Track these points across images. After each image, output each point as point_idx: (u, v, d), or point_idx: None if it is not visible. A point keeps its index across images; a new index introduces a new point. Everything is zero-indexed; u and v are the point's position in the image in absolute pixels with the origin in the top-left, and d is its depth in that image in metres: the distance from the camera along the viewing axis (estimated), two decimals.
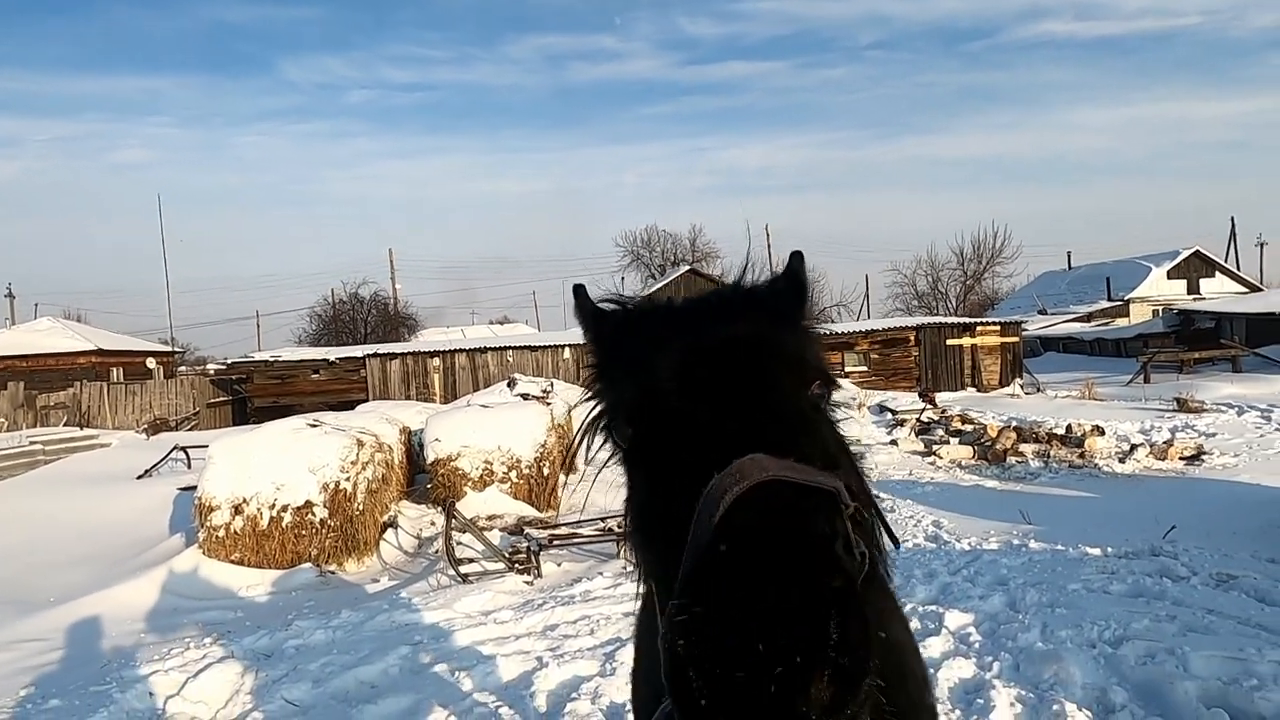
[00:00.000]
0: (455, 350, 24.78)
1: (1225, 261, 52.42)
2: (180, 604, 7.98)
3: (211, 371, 31.35)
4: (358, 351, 25.31)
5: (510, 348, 24.93)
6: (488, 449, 11.60)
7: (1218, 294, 46.49)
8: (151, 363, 38.55)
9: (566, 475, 14.38)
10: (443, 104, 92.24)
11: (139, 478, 14.54)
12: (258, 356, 25.24)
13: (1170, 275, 49.70)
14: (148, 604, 7.89)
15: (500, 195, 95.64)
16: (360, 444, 9.64)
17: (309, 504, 9.05)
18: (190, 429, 22.72)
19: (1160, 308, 45.40)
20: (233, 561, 8.88)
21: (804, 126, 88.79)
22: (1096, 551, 7.43)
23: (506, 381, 15.83)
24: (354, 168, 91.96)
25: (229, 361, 25.23)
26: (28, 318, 45.97)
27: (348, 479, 9.26)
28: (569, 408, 15.00)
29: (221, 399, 25.87)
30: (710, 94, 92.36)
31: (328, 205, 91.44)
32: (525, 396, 14.42)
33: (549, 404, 14.30)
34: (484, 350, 24.74)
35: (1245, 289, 47.83)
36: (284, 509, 9.00)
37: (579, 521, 9.52)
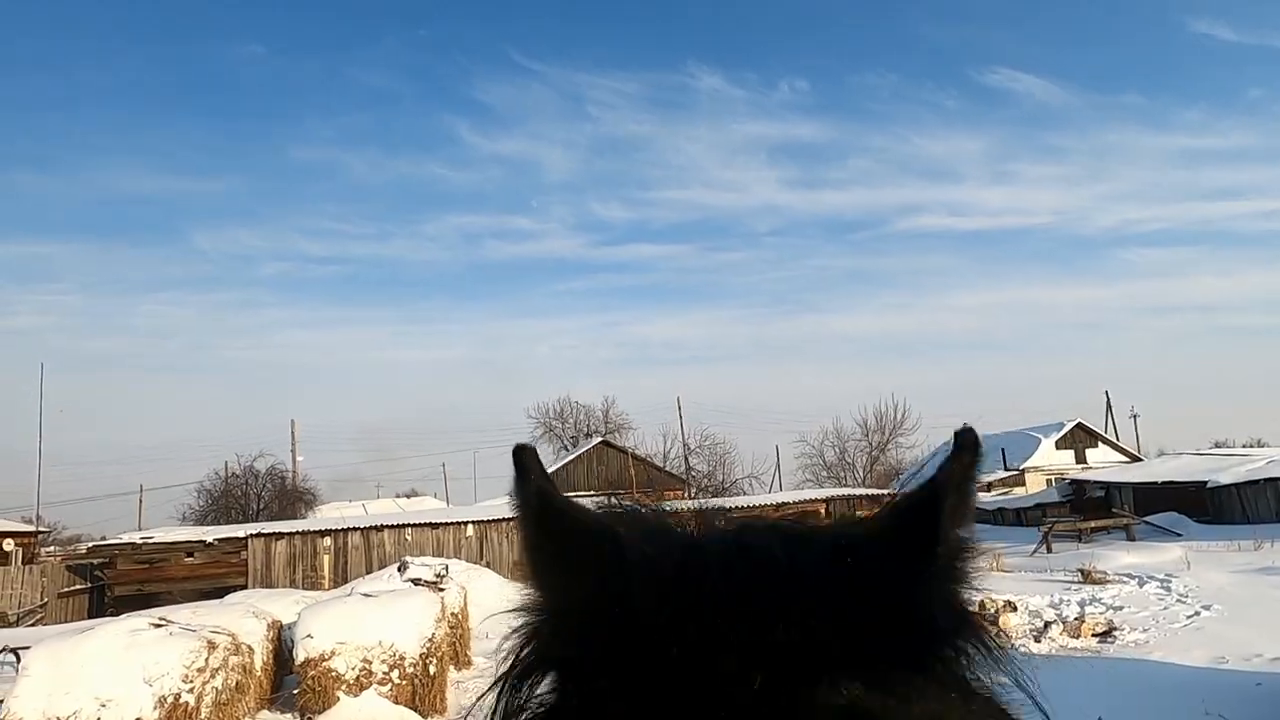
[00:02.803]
0: (348, 529, 23.20)
1: (1106, 432, 55.67)
2: None
3: (67, 556, 28.33)
4: (239, 531, 23.38)
5: (409, 525, 23.53)
6: (367, 645, 10.42)
7: (1103, 463, 48.94)
8: (9, 544, 34.76)
9: (459, 670, 13.08)
10: (357, 276, 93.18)
11: None
12: (124, 538, 22.95)
13: (1059, 445, 52.31)
14: None
15: (411, 364, 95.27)
16: (212, 646, 8.44)
17: None
18: (33, 624, 20.04)
19: (1053, 477, 47.35)
20: None
21: (711, 303, 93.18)
22: None
23: (397, 565, 14.67)
24: (260, 335, 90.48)
25: (89, 545, 22.81)
26: None
27: (190, 689, 7.99)
28: (463, 593, 13.91)
29: (77, 587, 23.17)
30: (620, 272, 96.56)
31: (229, 375, 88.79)
32: (416, 582, 13.31)
33: (442, 589, 13.22)
34: (380, 528, 23.24)
35: (1127, 459, 50.59)
36: None
37: None
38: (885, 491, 26.25)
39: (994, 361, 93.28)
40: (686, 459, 51.44)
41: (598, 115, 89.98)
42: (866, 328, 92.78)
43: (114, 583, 22.00)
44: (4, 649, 14.00)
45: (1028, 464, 50.77)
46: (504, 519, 24.17)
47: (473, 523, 23.78)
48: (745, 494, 44.47)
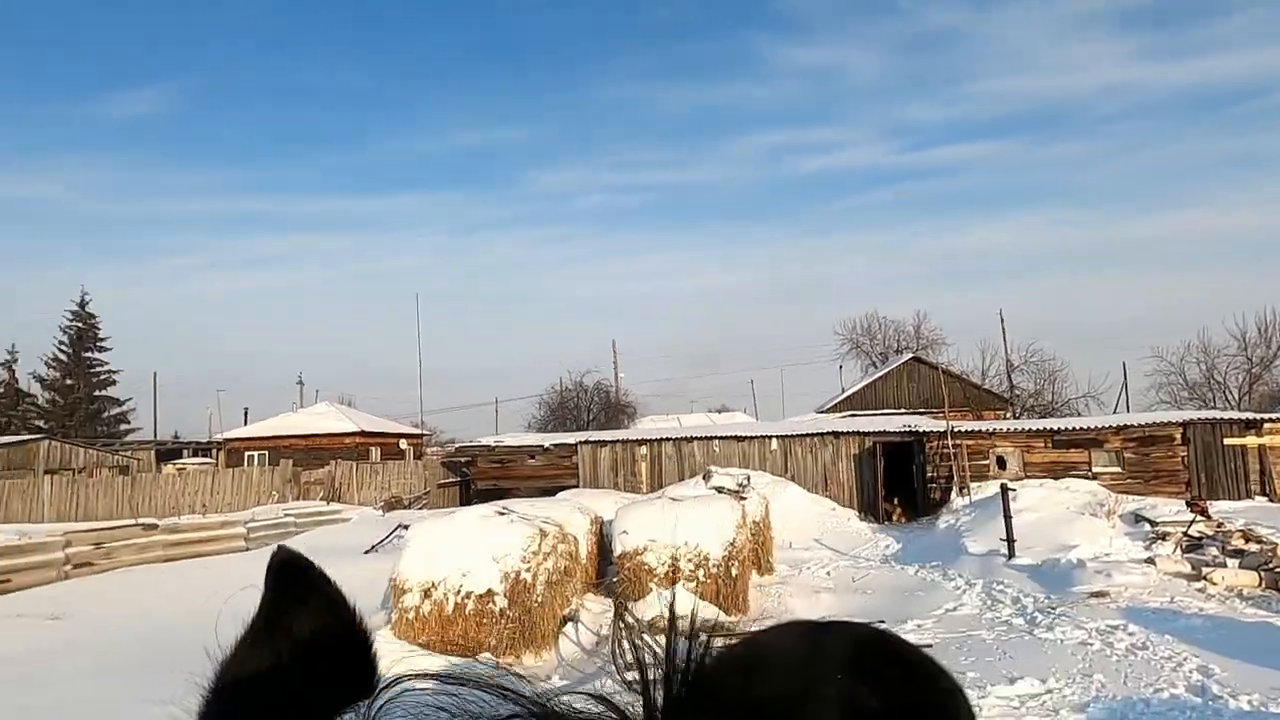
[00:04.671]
0: (662, 439, 24.92)
1: None
2: None
3: (443, 454, 34.05)
4: (570, 438, 26.24)
5: (717, 437, 24.64)
6: (675, 544, 11.24)
7: None
8: (404, 444, 42.56)
9: (760, 575, 13.62)
10: (663, 202, 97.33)
11: (366, 552, 15.71)
12: (481, 441, 26.98)
13: None
14: None
15: (720, 286, 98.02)
16: (543, 534, 9.66)
17: (490, 593, 9.12)
18: (420, 508, 24.53)
19: None
20: (420, 645, 9.09)
21: (1037, 205, 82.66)
22: None
23: (703, 474, 15.48)
24: (583, 265, 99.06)
25: (457, 445, 27.21)
26: (310, 402, 52.71)
27: (528, 569, 9.26)
28: (764, 503, 14.32)
29: (450, 480, 27.84)
30: (932, 177, 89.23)
31: (562, 300, 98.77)
32: (720, 490, 13.97)
33: (744, 498, 13.73)
34: (690, 439, 24.65)
35: None
36: (468, 596, 9.14)
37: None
38: (1267, 417, 21.92)
39: None
40: (1009, 375, 47.27)
41: (908, 7, 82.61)
42: (1241, 223, 76.45)
43: (476, 478, 26.02)
44: (400, 525, 17.34)
45: None
46: (808, 434, 24.29)
47: (777, 437, 24.23)
48: (1079, 414, 39.90)
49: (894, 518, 22.28)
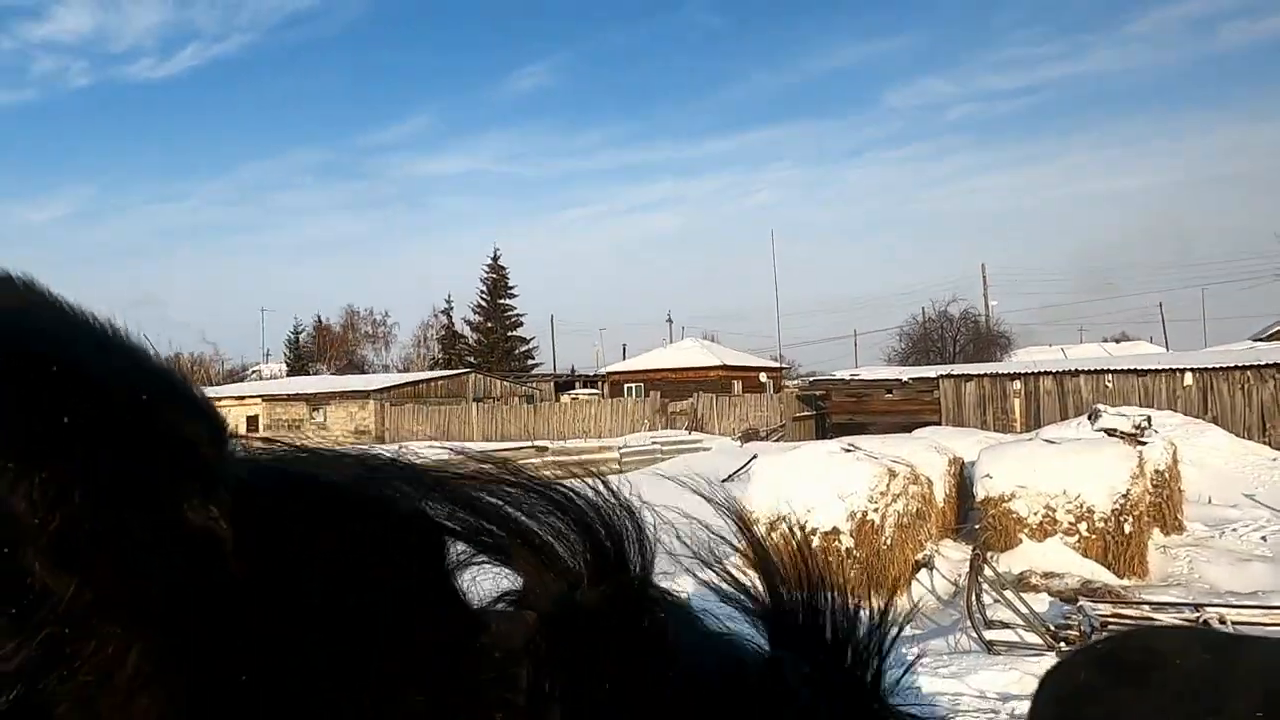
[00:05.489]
0: (1040, 373, 22.21)
1: None
2: (716, 609, 8.56)
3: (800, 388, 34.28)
4: (931, 372, 24.62)
5: (1109, 371, 21.29)
6: (1050, 493, 9.94)
7: None
8: (764, 377, 43.80)
9: (1165, 534, 11.52)
10: (1048, 105, 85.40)
11: (723, 480, 16.42)
12: (837, 374, 26.52)
13: None
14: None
15: (1118, 193, 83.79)
16: (891, 474, 9.12)
17: (836, 531, 8.89)
18: (777, 439, 24.98)
19: None
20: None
21: None
22: None
23: (1089, 413, 13.45)
24: (951, 184, 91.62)
25: (811, 379, 27.09)
26: (679, 339, 56.44)
27: (875, 510, 8.83)
28: (1171, 449, 12.02)
29: (805, 413, 27.91)
30: None
31: (923, 225, 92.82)
32: (1110, 432, 11.97)
33: (1142, 443, 11.67)
34: (1075, 373, 21.61)
35: None
36: (813, 532, 9.00)
37: (1170, 603, 7.37)
38: None
39: None
40: None
41: None
42: None
43: (831, 412, 25.74)
44: (754, 456, 17.81)
45: None
46: (1238, 366, 19.88)
47: (1192, 370, 20.19)
48: None
49: None
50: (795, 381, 56.45)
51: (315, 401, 34.39)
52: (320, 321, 69.11)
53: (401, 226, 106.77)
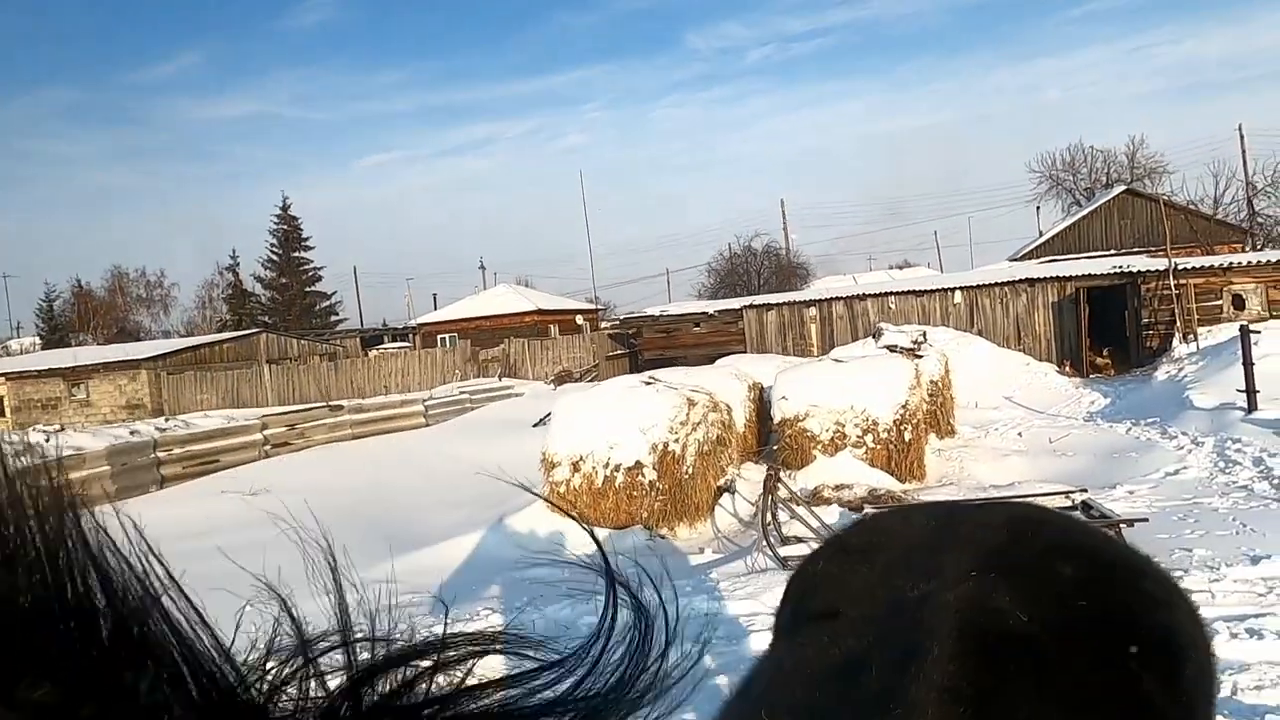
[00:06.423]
0: (832, 299, 23.49)
1: None
2: (519, 556, 8.19)
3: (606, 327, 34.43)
4: (735, 304, 25.40)
5: (892, 294, 22.87)
6: (838, 409, 10.36)
7: None
8: (580, 320, 43.59)
9: (940, 438, 12.47)
10: (838, 47, 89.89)
11: (534, 425, 16.01)
12: (646, 312, 26.75)
13: None
14: (493, 554, 8.26)
15: (897, 133, 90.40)
16: (691, 403, 9.08)
17: (639, 465, 8.76)
18: (590, 380, 24.94)
19: None
20: (571, 518, 8.97)
21: None
22: None
23: (873, 332, 14.24)
24: (750, 126, 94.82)
25: (621, 317, 27.20)
26: (492, 286, 54.91)
27: (676, 440, 8.77)
28: (943, 360, 12.96)
29: (618, 352, 28.07)
30: None
31: (728, 165, 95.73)
32: (892, 348, 12.75)
33: (919, 356, 12.47)
34: (862, 297, 23.05)
35: None
36: (616, 468, 8.83)
37: (946, 501, 7.86)
38: None
39: None
40: (1250, 202, 40.51)
41: None
42: None
43: (643, 349, 25.98)
44: None
45: None
46: (996, 283, 21.96)
47: (961, 289, 22.11)
48: None
49: (1102, 370, 19.91)
50: (612, 323, 56.90)
51: (75, 376, 30.29)
52: (80, 286, 61.07)
53: (176, 176, 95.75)
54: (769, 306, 24.12)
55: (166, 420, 22.52)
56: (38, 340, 53.25)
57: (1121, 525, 6.35)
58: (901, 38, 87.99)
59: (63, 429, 17.47)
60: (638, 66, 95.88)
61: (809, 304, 23.70)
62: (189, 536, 9.59)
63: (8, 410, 30.19)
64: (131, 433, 15.38)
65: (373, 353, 40.03)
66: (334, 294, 59.02)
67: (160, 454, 12.08)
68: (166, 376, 29.91)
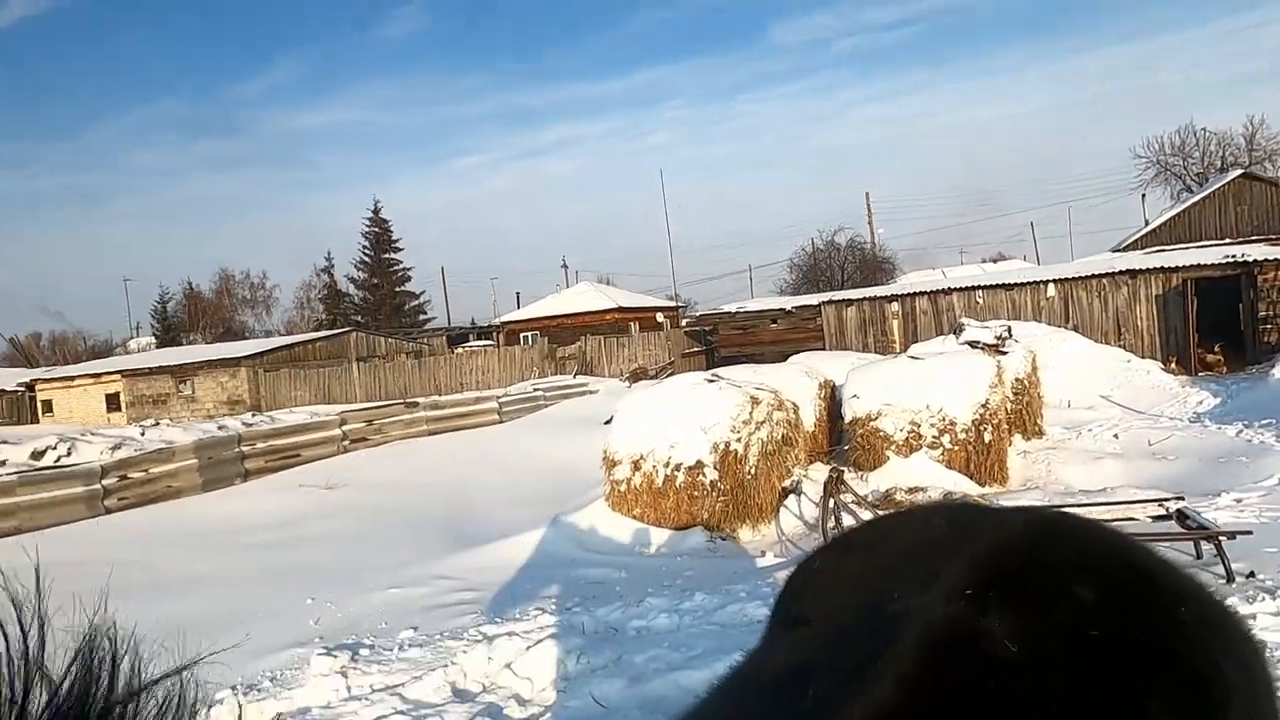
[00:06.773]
0: (914, 294, 22.64)
1: None
2: (578, 556, 8.16)
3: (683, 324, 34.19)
4: (813, 299, 24.80)
5: (979, 287, 21.87)
6: (913, 408, 9.91)
7: None
8: (660, 317, 43.50)
9: (1027, 439, 11.80)
10: (928, 35, 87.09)
11: (605, 423, 15.99)
12: (723, 308, 26.42)
13: None
14: (552, 552, 8.22)
15: (991, 121, 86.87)
16: (754, 401, 8.83)
17: (700, 464, 8.57)
18: (667, 377, 24.80)
19: None
20: (634, 516, 8.86)
21: None
22: None
23: (954, 328, 13.60)
24: (835, 119, 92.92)
25: (699, 314, 26.94)
26: (574, 284, 55.39)
27: (738, 439, 8.54)
28: (1030, 357, 12.26)
29: (695, 349, 27.82)
30: None
31: (813, 157, 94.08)
32: (973, 345, 12.12)
33: (1003, 352, 11.83)
34: (947, 291, 22.12)
35: None
36: (677, 468, 8.67)
37: (1022, 507, 7.39)
38: None
39: None
40: None
41: None
42: None
43: (719, 345, 25.68)
44: None
45: None
46: (1094, 275, 20.72)
47: (1054, 281, 20.95)
48: None
49: (1212, 367, 18.53)
50: (691, 320, 56.65)
51: (181, 374, 32.09)
52: (191, 288, 64.75)
53: (277, 183, 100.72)
54: (849, 302, 23.45)
55: (254, 415, 23.56)
56: (153, 340, 56.68)
57: (1221, 538, 5.80)
58: (993, 22, 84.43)
59: (157, 424, 18.47)
60: (720, 62, 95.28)
61: (891, 299, 22.92)
62: (264, 529, 9.93)
63: (123, 405, 32.22)
64: (220, 428, 16.12)
65: (457, 350, 40.96)
66: (423, 293, 60.75)
67: (244, 448, 12.60)
68: (263, 373, 31.34)
